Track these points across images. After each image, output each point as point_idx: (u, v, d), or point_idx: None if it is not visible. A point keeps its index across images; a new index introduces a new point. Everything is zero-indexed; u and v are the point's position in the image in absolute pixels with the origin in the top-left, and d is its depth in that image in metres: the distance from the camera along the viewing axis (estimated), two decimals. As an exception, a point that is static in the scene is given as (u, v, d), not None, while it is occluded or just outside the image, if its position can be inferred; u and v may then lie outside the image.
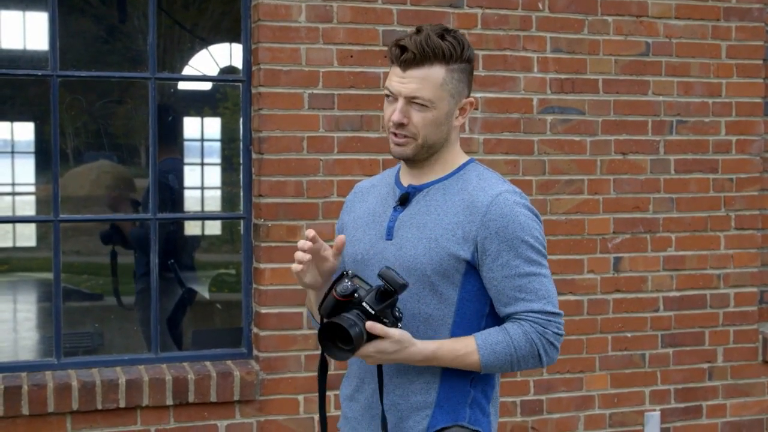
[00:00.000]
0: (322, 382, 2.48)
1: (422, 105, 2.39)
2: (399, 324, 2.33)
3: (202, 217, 5.16)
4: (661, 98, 4.94)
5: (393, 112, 2.41)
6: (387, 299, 2.28)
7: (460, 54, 2.41)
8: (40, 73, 4.29)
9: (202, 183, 5.92)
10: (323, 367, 2.48)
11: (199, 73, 6.10)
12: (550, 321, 2.40)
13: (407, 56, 2.37)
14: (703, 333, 5.07)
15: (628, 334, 4.94)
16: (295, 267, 2.38)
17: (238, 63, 5.48)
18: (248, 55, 4.45)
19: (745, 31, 5.05)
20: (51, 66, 4.24)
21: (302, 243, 2.35)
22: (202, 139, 6.42)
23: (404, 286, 2.27)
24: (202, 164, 5.96)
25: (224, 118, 6.55)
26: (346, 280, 2.29)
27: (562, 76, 4.77)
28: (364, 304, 2.27)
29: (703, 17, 4.98)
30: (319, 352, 2.59)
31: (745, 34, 5.05)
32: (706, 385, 5.10)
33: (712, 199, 5.05)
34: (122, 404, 4.19)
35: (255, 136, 4.44)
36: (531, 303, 2.39)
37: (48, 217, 4.33)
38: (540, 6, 4.72)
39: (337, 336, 2.25)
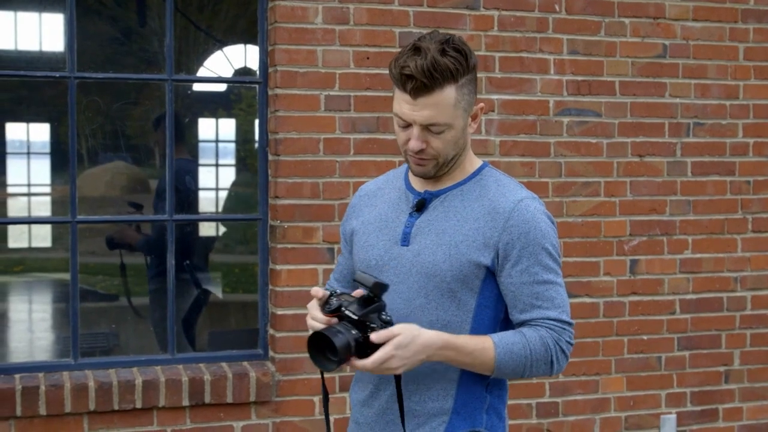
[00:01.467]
0: (326, 408, 2.50)
1: (439, 130, 2.34)
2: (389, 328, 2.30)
3: (218, 218, 5.16)
4: (678, 100, 4.92)
5: (409, 139, 2.36)
6: (370, 304, 2.27)
7: (465, 67, 2.33)
8: (57, 75, 4.30)
9: (217, 184, 5.93)
10: (326, 396, 2.49)
11: (215, 75, 6.11)
12: (564, 329, 2.39)
13: (416, 85, 2.28)
14: (719, 336, 5.05)
15: (645, 337, 4.93)
16: (310, 327, 2.35)
17: (252, 64, 5.49)
18: (265, 57, 4.46)
19: (763, 33, 5.03)
20: (68, 68, 4.25)
21: (321, 318, 2.32)
22: (217, 140, 6.44)
23: (379, 285, 2.24)
24: (217, 165, 5.98)
25: (239, 119, 6.57)
26: (333, 299, 2.31)
27: (579, 78, 4.76)
28: (347, 312, 2.26)
29: (720, 19, 4.96)
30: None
31: (762, 36, 5.03)
32: (723, 388, 5.08)
33: (729, 201, 5.04)
34: (139, 405, 4.20)
35: (271, 137, 4.44)
36: (547, 311, 2.37)
37: (65, 218, 4.34)
38: (557, 8, 4.71)
39: (326, 347, 2.23)
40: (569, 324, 2.40)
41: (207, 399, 4.28)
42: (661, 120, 4.91)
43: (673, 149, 4.93)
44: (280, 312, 4.40)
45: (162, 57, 4.40)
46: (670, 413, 4.98)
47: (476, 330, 2.40)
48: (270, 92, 4.44)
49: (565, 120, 4.76)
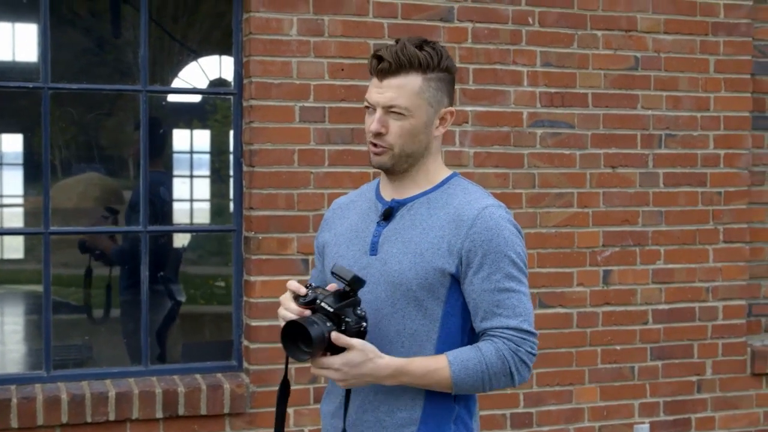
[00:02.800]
0: (282, 404, 2.50)
1: (399, 114, 2.39)
2: (364, 323, 2.30)
3: (192, 229, 5.16)
4: (650, 112, 4.97)
5: (372, 123, 2.42)
6: (346, 299, 2.28)
7: (437, 63, 2.41)
8: (31, 86, 4.28)
9: (191, 195, 5.92)
10: (284, 389, 2.48)
11: (189, 86, 6.10)
12: (524, 339, 2.37)
13: (383, 66, 2.38)
14: (691, 346, 5.09)
15: (618, 347, 4.95)
16: (282, 317, 2.35)
17: (227, 75, 5.49)
18: (240, 68, 4.46)
19: (733, 45, 5.09)
20: (42, 78, 4.24)
21: (294, 308, 2.33)
22: (192, 152, 6.43)
23: (357, 280, 2.26)
24: (192, 176, 5.97)
25: (214, 130, 6.56)
26: (309, 291, 2.32)
27: (552, 90, 4.80)
28: (323, 304, 2.27)
29: (691, 32, 5.01)
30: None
31: (732, 49, 5.09)
32: (695, 397, 5.12)
33: (701, 212, 5.08)
34: (112, 417, 4.18)
35: (246, 148, 4.44)
36: (508, 319, 2.36)
37: (38, 229, 4.32)
38: (530, 20, 4.74)
39: (299, 338, 2.24)
40: (530, 333, 2.38)
41: (181, 411, 4.26)
42: (634, 131, 4.95)
43: (645, 160, 4.97)
44: (254, 323, 4.39)
45: (137, 68, 4.40)
46: (644, 423, 5.01)
47: (443, 339, 2.40)
48: (245, 103, 4.44)
49: (539, 131, 4.79)
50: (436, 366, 2.33)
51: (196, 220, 5.31)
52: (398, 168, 2.46)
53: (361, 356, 2.27)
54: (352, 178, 4.46)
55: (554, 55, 4.80)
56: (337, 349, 2.26)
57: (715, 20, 5.05)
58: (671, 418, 5.07)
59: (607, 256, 4.91)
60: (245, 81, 4.43)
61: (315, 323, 2.23)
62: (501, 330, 2.36)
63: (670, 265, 5.03)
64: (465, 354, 2.35)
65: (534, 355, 2.40)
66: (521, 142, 4.76)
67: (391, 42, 4.37)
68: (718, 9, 5.04)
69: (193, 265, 5.48)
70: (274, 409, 4.37)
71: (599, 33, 4.86)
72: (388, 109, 2.39)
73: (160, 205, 4.93)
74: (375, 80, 2.42)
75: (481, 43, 4.67)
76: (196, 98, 6.48)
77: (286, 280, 4.33)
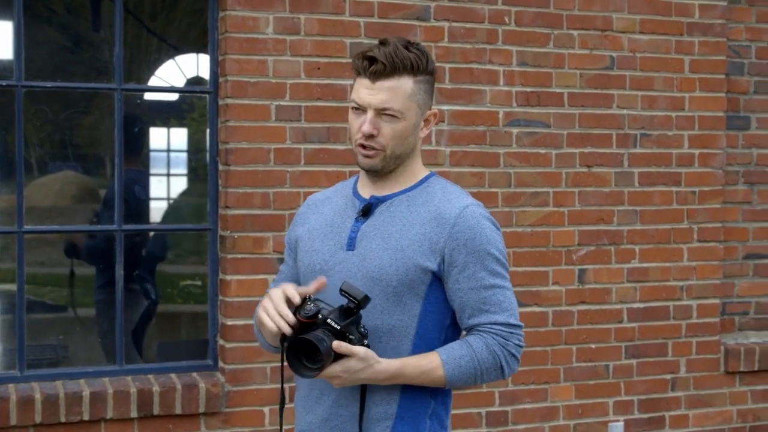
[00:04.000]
0: (282, 415, 2.50)
1: (392, 116, 2.39)
2: (365, 341, 2.33)
3: (168, 228, 5.13)
4: (625, 112, 4.99)
5: (362, 124, 2.41)
6: (350, 316, 2.29)
7: (426, 65, 2.43)
8: (4, 83, 4.25)
9: (168, 194, 5.89)
10: (283, 403, 2.49)
11: (166, 84, 6.07)
12: (512, 333, 2.43)
13: (377, 67, 2.37)
14: (666, 344, 5.12)
15: (593, 346, 4.98)
16: (268, 323, 2.32)
17: (205, 74, 5.47)
18: (215, 67, 4.45)
19: (708, 45, 5.11)
20: (16, 76, 4.21)
21: (290, 318, 2.30)
22: (168, 150, 6.40)
23: (367, 299, 2.28)
24: (168, 175, 5.95)
25: (191, 128, 6.53)
26: (309, 303, 2.30)
27: (528, 90, 4.81)
28: (329, 321, 2.28)
29: (666, 32, 5.04)
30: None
31: (707, 49, 5.12)
32: (669, 395, 5.15)
33: (675, 211, 5.11)
34: (86, 417, 4.16)
35: (222, 147, 4.43)
36: (495, 315, 2.41)
37: (12, 228, 4.29)
38: (506, 20, 4.76)
39: (303, 354, 2.25)
40: (517, 327, 2.44)
41: (156, 410, 4.25)
42: (609, 131, 4.97)
43: (620, 160, 4.99)
44: (230, 322, 4.38)
45: (112, 66, 4.37)
46: (618, 421, 5.04)
47: (422, 335, 2.42)
48: (220, 102, 4.43)
49: (515, 131, 4.80)
50: (430, 366, 2.37)
51: (172, 219, 5.28)
52: (387, 169, 2.47)
53: (362, 364, 2.30)
54: (328, 177, 4.46)
55: (530, 54, 4.81)
56: (337, 356, 2.27)
57: (690, 20, 5.07)
58: (645, 416, 5.10)
59: (582, 254, 4.93)
60: (221, 79, 4.42)
61: (323, 340, 2.24)
62: (489, 326, 2.41)
63: (645, 264, 5.05)
64: (456, 351, 2.39)
65: (522, 347, 2.46)
66: (497, 142, 4.77)
67: (368, 41, 4.40)
68: (693, 9, 5.07)
69: (168, 264, 5.45)
70: (249, 408, 4.41)
71: (575, 33, 4.88)
72: (381, 111, 2.39)
73: (135, 204, 4.91)
74: (365, 81, 2.40)
75: (457, 42, 4.68)
76: (173, 96, 6.45)
77: (262, 279, 4.38)
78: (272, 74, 4.39)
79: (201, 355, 4.57)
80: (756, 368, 5.28)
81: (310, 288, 2.35)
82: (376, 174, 2.49)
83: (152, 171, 6.14)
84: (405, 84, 2.39)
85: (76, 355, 5.35)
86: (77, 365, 4.58)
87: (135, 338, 5.07)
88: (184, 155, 6.37)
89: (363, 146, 2.43)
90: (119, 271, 4.36)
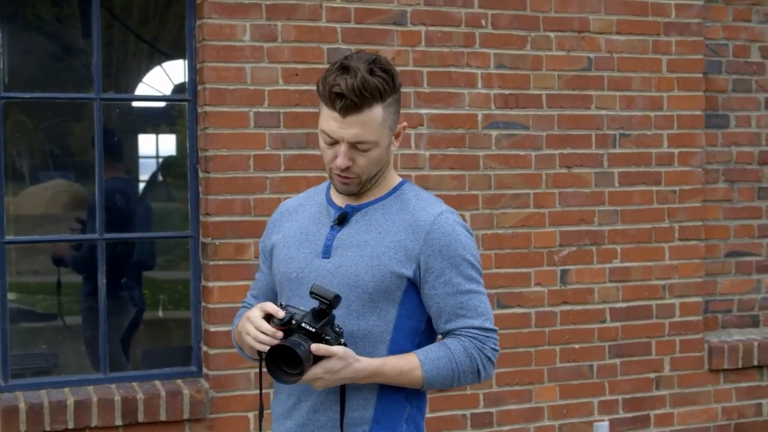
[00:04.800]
0: (261, 424, 2.52)
1: (366, 147, 2.39)
2: (342, 339, 2.35)
3: (149, 236, 5.15)
4: (603, 112, 5.02)
5: (335, 156, 2.40)
6: (324, 317, 2.31)
7: (392, 87, 2.40)
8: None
9: (150, 201, 5.91)
10: (262, 411, 2.51)
11: (144, 93, 6.08)
12: (488, 337, 2.46)
13: (346, 103, 2.33)
14: (649, 343, 5.15)
15: (576, 346, 5.00)
16: (257, 345, 2.33)
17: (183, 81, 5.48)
18: (194, 75, 4.47)
19: (685, 45, 5.15)
20: (-5, 87, 4.24)
21: (268, 329, 2.31)
22: (157, 156, 6.41)
23: (338, 298, 2.29)
24: (149, 182, 5.96)
25: (171, 136, 6.54)
26: (282, 311, 2.32)
27: (506, 92, 4.84)
28: (303, 324, 2.30)
29: (643, 32, 5.07)
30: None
31: (685, 48, 5.15)
32: (654, 394, 5.17)
33: (656, 210, 5.14)
34: (71, 425, 4.17)
35: (201, 155, 4.45)
36: (471, 319, 2.44)
37: (-7, 238, 4.31)
38: (483, 23, 4.78)
39: (282, 361, 2.27)
40: (493, 331, 2.47)
41: (140, 418, 4.27)
42: (588, 132, 5.00)
43: (600, 160, 5.02)
44: (213, 329, 4.40)
45: (91, 75, 4.39)
46: (603, 420, 5.05)
47: (396, 341, 2.44)
48: (199, 110, 4.45)
49: (494, 133, 4.82)
50: (409, 366, 2.40)
51: (155, 227, 5.31)
52: (363, 190, 2.50)
53: (341, 363, 2.32)
54: (308, 182, 4.47)
55: (508, 56, 4.83)
56: (316, 358, 2.29)
57: (666, 20, 5.10)
58: (630, 415, 5.13)
59: (564, 255, 4.96)
60: (199, 87, 4.44)
61: (300, 345, 2.25)
62: (466, 330, 2.44)
63: (627, 264, 5.08)
64: (435, 353, 2.42)
65: (497, 351, 2.49)
66: (476, 144, 4.79)
67: (346, 47, 4.42)
68: (669, 9, 5.10)
69: (151, 271, 5.47)
70: (233, 414, 4.42)
71: (552, 34, 4.91)
72: (354, 144, 2.39)
73: (117, 212, 4.92)
74: (334, 114, 2.36)
75: (434, 46, 4.70)
76: (159, 103, 6.46)
77: (244, 285, 4.40)
78: (250, 81, 4.41)
79: (185, 361, 4.58)
80: (740, 365, 5.30)
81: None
82: (355, 194, 2.51)
83: (133, 178, 6.15)
84: (375, 113, 2.37)
85: (63, 363, 5.36)
86: (62, 374, 4.57)
87: (119, 346, 5.08)
88: (163, 162, 6.38)
89: (339, 175, 2.44)
90: (101, 280, 4.38)
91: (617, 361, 5.08)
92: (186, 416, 4.33)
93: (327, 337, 2.30)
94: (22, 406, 4.11)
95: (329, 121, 2.38)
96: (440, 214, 2.46)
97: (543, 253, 4.93)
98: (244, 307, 2.75)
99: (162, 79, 5.85)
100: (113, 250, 4.86)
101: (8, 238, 4.31)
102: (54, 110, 5.71)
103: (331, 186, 2.59)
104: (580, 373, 5.01)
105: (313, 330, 2.29)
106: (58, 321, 5.73)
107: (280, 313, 2.32)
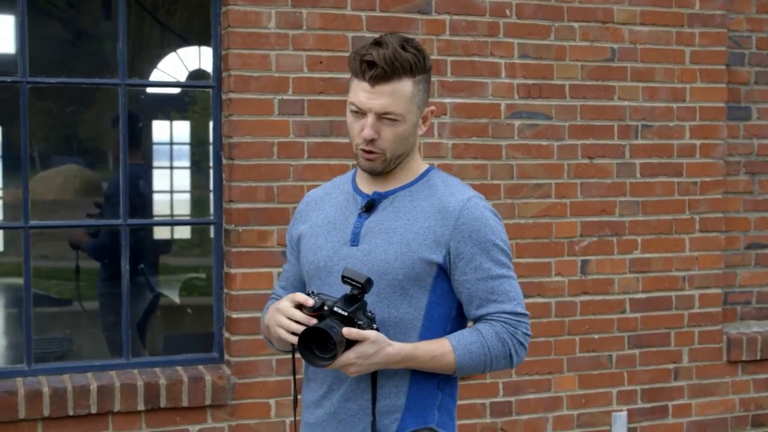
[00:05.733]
0: (296, 411, 2.54)
1: (393, 120, 2.40)
2: (374, 325, 2.35)
3: (173, 222, 5.16)
4: (626, 103, 5.01)
5: (362, 128, 2.41)
6: (356, 302, 2.31)
7: (424, 65, 2.43)
8: (9, 80, 4.27)
9: (171, 187, 5.91)
10: (296, 398, 2.53)
11: (169, 77, 6.09)
12: (520, 321, 2.46)
13: (376, 72, 2.36)
14: (668, 334, 5.15)
15: (596, 336, 5.01)
16: (290, 337, 2.33)
17: (207, 67, 5.49)
18: (218, 61, 4.47)
19: (708, 36, 5.13)
20: (21, 72, 4.23)
21: (301, 316, 2.32)
22: (171, 143, 6.41)
23: (370, 281, 2.29)
24: (171, 168, 5.97)
25: (193, 121, 6.55)
26: (315, 298, 2.34)
27: (530, 82, 4.83)
28: (335, 309, 2.30)
29: (667, 23, 5.05)
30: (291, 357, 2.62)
31: (708, 40, 5.13)
32: (672, 385, 5.18)
33: (677, 202, 5.13)
34: (94, 410, 4.19)
35: (225, 141, 4.46)
36: (502, 304, 2.44)
37: (18, 223, 4.32)
38: (507, 12, 4.77)
39: (315, 345, 2.27)
40: (525, 315, 2.48)
41: (162, 403, 4.28)
42: (610, 122, 4.99)
43: (622, 151, 5.02)
44: (235, 315, 4.41)
45: (115, 61, 4.39)
46: (621, 410, 5.07)
47: (427, 327, 2.44)
48: (224, 96, 4.46)
49: (517, 123, 4.82)
50: (441, 351, 2.40)
51: (176, 213, 5.31)
52: (387, 170, 2.49)
53: (374, 347, 2.31)
54: (331, 170, 4.48)
55: (531, 46, 4.83)
56: (349, 343, 2.29)
57: (690, 11, 5.09)
58: (648, 405, 5.13)
59: (584, 245, 4.96)
60: (224, 74, 4.44)
61: (333, 327, 2.26)
62: (498, 315, 2.44)
63: (647, 255, 5.08)
64: (467, 338, 2.42)
65: (529, 335, 2.49)
66: (499, 134, 4.79)
67: (370, 35, 4.42)
68: (693, 0, 5.08)
69: (173, 257, 5.48)
70: (255, 401, 4.44)
71: (576, 25, 4.90)
72: (382, 116, 2.39)
73: (139, 198, 4.94)
74: (364, 84, 2.38)
75: (458, 36, 4.69)
76: (176, 89, 6.47)
77: (267, 272, 4.41)
78: (275, 68, 4.41)
79: (206, 348, 4.60)
80: (758, 357, 5.31)
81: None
82: (379, 174, 2.51)
83: (156, 164, 6.17)
84: (405, 86, 2.39)
85: (83, 348, 5.39)
86: (83, 359, 4.59)
87: (141, 332, 5.10)
88: (187, 148, 6.39)
89: (364, 150, 2.45)
90: (125, 266, 4.39)
91: (636, 351, 5.09)
92: (208, 402, 4.34)
93: (359, 322, 2.31)
94: (45, 390, 4.13)
95: (358, 92, 2.40)
96: (469, 199, 2.46)
97: (564, 243, 4.93)
98: (272, 298, 2.75)
99: (186, 65, 5.85)
100: (135, 235, 4.87)
101: (32, 222, 4.32)
102: (67, 96, 5.72)
103: (357, 173, 2.60)
104: (599, 363, 5.02)
105: (346, 314, 2.29)
106: (75, 306, 5.75)
107: (311, 301, 2.33)
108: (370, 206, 2.50)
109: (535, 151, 4.86)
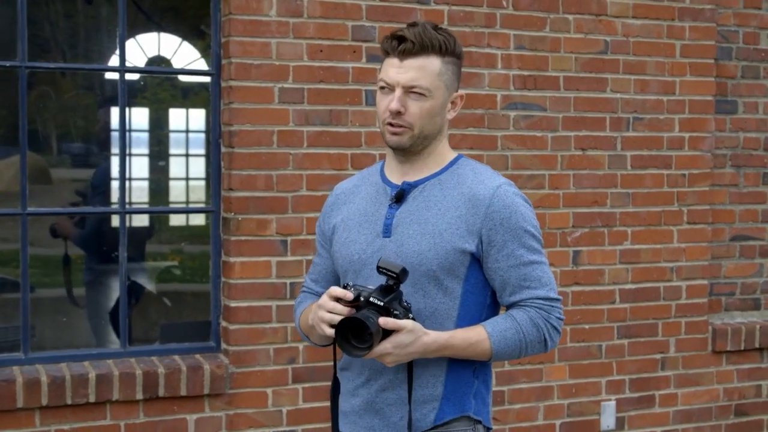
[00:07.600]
0: (335, 403, 2.54)
1: (420, 94, 2.43)
2: (410, 314, 2.36)
3: (170, 210, 5.12)
4: (618, 95, 5.06)
5: (390, 102, 2.44)
6: (391, 292, 2.33)
7: (454, 48, 2.48)
8: (8, 65, 4.21)
9: (168, 175, 5.85)
10: (336, 389, 2.53)
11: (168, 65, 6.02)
12: (553, 306, 2.48)
13: (406, 46, 2.41)
14: (656, 324, 5.22)
15: (586, 326, 5.06)
16: (327, 330, 2.34)
17: (206, 55, 5.45)
18: (218, 49, 4.45)
19: (698, 31, 5.20)
20: (20, 57, 4.17)
21: (341, 309, 2.34)
22: (169, 131, 6.35)
23: (405, 271, 2.31)
24: (168, 156, 5.91)
25: (194, 110, 6.47)
26: (349, 288, 2.35)
27: (525, 73, 4.86)
28: (371, 299, 2.31)
29: (658, 17, 5.11)
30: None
31: (697, 34, 5.20)
32: (659, 375, 5.25)
33: (666, 194, 5.20)
34: (92, 399, 4.16)
35: (225, 129, 4.43)
36: (536, 290, 2.46)
37: (16, 210, 4.26)
38: (504, 3, 4.80)
39: (351, 335, 2.28)
40: (557, 300, 2.50)
41: (161, 392, 4.26)
42: (603, 114, 5.04)
43: (613, 143, 5.07)
44: (233, 304, 4.39)
45: (114, 48, 4.35)
46: (610, 400, 5.13)
47: (463, 316, 2.46)
48: (224, 84, 4.43)
49: (512, 114, 4.85)
50: (477, 338, 2.42)
51: (173, 200, 5.27)
52: (414, 149, 2.49)
53: (411, 336, 2.33)
54: (330, 159, 4.48)
55: (527, 38, 4.86)
56: (385, 333, 2.30)
57: (681, 5, 5.15)
58: (636, 395, 5.20)
59: (576, 236, 5.00)
60: (224, 62, 4.42)
61: (369, 317, 2.27)
62: (531, 300, 2.46)
63: (637, 246, 5.14)
64: (502, 324, 2.44)
65: (562, 320, 2.52)
66: (495, 125, 4.82)
67: (370, 24, 4.42)
68: (684, -5, 5.16)
69: (170, 245, 5.44)
70: (253, 390, 4.42)
71: (570, 17, 4.94)
72: (409, 89, 2.43)
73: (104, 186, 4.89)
74: (394, 60, 2.44)
75: (456, 26, 4.71)
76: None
77: (266, 261, 4.40)
78: (275, 56, 4.40)
79: (204, 336, 4.57)
80: (742, 348, 5.39)
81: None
82: (405, 155, 2.51)
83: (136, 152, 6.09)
84: (433, 63, 2.43)
85: (80, 337, 5.33)
86: (80, 347, 4.54)
87: (138, 320, 5.06)
88: (185, 136, 6.33)
89: (390, 124, 2.46)
90: (123, 253, 4.35)
91: (625, 341, 5.15)
92: (206, 391, 4.32)
93: (395, 312, 2.32)
94: (43, 378, 4.08)
95: (387, 69, 2.46)
96: (499, 186, 2.47)
97: (556, 234, 4.97)
98: (303, 292, 2.75)
99: (186, 52, 5.79)
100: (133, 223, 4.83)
101: (30, 209, 4.27)
102: (68, 82, 5.64)
103: (386, 164, 2.60)
104: (589, 353, 5.07)
105: (382, 304, 2.30)
106: (72, 294, 5.65)
107: (350, 294, 2.34)
108: (400, 196, 2.51)
109: (530, 142, 4.89)
